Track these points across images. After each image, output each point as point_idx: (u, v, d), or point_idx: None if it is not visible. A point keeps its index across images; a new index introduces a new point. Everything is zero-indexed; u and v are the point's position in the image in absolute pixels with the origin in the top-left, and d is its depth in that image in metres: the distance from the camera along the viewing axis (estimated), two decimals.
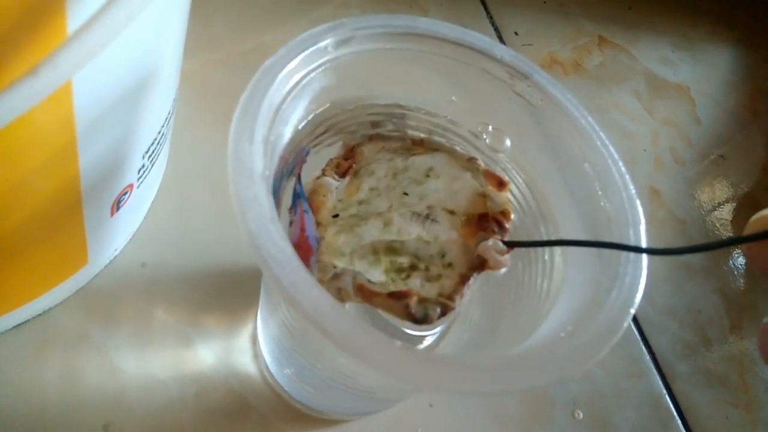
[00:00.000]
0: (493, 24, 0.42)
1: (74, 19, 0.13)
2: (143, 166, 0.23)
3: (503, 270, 0.19)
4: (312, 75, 0.17)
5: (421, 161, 0.21)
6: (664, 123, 0.42)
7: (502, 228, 0.19)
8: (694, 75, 0.46)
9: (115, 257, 0.27)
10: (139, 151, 0.22)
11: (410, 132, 0.21)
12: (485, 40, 0.19)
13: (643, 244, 0.16)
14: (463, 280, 0.18)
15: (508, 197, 0.20)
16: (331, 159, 0.20)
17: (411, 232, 0.19)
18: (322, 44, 0.17)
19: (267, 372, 0.25)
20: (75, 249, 0.23)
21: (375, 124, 0.21)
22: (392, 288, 0.18)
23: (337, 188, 0.20)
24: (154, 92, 0.20)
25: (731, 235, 0.39)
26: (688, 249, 0.15)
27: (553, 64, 0.42)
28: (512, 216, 0.20)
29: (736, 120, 0.45)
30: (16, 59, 0.13)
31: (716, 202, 0.40)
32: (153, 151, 0.23)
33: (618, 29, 0.46)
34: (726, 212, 0.40)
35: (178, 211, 0.29)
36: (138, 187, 0.24)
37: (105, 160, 0.20)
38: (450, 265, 0.19)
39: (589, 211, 0.18)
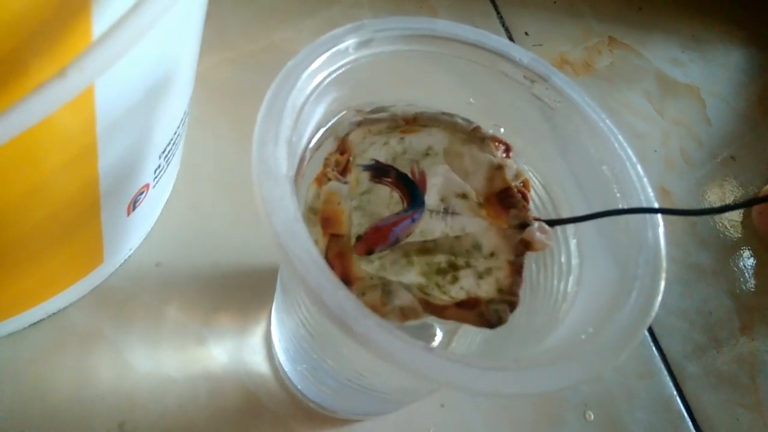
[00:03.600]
0: (503, 24, 0.42)
1: (99, 22, 0.14)
2: (159, 166, 0.23)
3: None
4: (333, 76, 0.17)
5: (418, 141, 0.20)
6: (674, 123, 0.42)
7: (525, 199, 0.19)
8: (704, 75, 0.46)
9: (129, 256, 0.27)
10: (156, 151, 0.22)
11: (400, 111, 0.20)
12: (503, 42, 0.19)
13: (662, 247, 0.16)
14: (516, 268, 0.18)
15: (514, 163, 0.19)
16: (326, 157, 0.19)
17: (435, 230, 0.18)
18: (343, 46, 0.17)
19: (280, 371, 0.26)
20: (91, 248, 0.23)
21: (359, 111, 0.20)
22: (438, 292, 0.17)
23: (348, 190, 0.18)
24: (172, 92, 0.20)
25: (740, 235, 0.39)
26: (709, 210, 0.16)
27: (564, 64, 0.42)
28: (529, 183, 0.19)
29: (746, 120, 0.45)
30: (43, 61, 0.13)
31: (726, 202, 0.40)
32: (169, 151, 0.23)
33: (628, 30, 0.46)
34: (736, 212, 0.40)
35: (192, 211, 0.29)
36: (154, 187, 0.24)
37: (123, 160, 0.20)
38: (492, 254, 0.18)
39: None
